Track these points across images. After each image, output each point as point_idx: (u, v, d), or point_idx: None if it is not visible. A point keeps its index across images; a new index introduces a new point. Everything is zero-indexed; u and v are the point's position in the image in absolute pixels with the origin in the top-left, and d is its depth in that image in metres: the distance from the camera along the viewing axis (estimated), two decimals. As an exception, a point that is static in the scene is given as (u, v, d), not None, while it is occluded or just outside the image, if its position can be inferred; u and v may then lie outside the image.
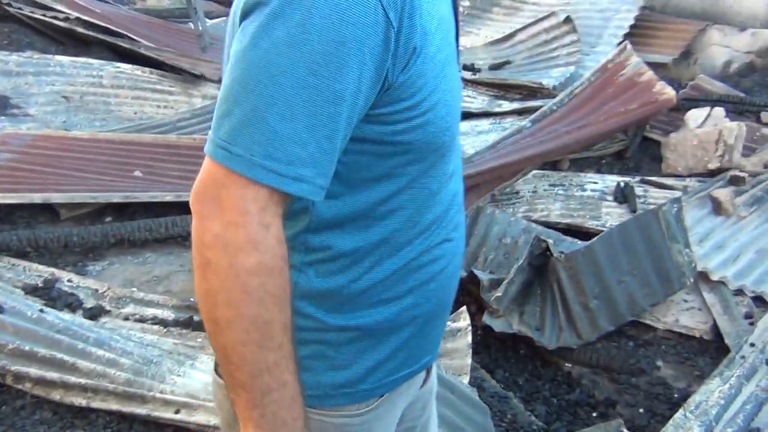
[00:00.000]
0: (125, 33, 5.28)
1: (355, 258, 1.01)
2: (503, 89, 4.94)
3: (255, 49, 0.84)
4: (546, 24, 5.32)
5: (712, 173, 3.58)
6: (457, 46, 1.10)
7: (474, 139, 4.21)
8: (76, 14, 5.29)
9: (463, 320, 2.48)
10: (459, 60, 1.14)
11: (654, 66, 4.95)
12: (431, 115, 0.96)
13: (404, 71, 0.90)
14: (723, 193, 3.14)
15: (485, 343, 2.74)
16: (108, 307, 2.72)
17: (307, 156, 0.86)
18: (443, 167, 1.06)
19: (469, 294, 2.81)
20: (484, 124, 4.45)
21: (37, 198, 3.40)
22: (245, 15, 0.87)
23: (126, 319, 2.67)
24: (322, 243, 1.00)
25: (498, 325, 2.60)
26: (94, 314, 2.65)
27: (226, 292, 0.87)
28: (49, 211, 3.47)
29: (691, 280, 2.67)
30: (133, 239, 3.25)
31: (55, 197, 3.44)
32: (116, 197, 3.46)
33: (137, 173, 3.75)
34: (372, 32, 0.85)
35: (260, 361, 0.90)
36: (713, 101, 4.07)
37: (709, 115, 3.81)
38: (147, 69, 4.82)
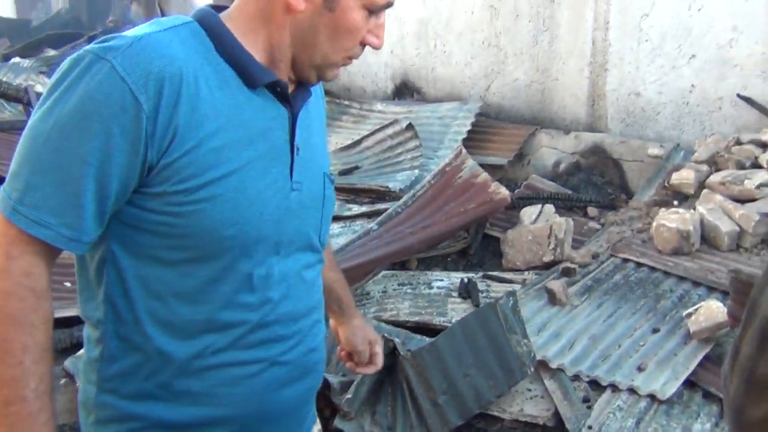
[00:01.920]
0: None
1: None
2: (353, 193, 5.10)
3: (30, 121, 1.05)
4: (390, 131, 5.60)
5: (547, 265, 3.82)
6: (292, 160, 1.21)
7: (325, 243, 4.28)
8: None
9: (315, 426, 2.47)
10: (297, 172, 1.24)
11: (492, 167, 5.30)
12: (206, 207, 1.08)
13: (166, 154, 1.05)
14: (556, 285, 3.35)
15: (340, 447, 2.72)
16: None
17: (52, 206, 1.02)
18: (239, 269, 1.13)
19: (324, 398, 2.81)
20: (335, 227, 4.55)
21: None
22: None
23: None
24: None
25: (350, 428, 2.60)
26: None
27: None
28: None
29: (532, 369, 2.80)
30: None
31: None
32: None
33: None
34: (118, 109, 1.01)
35: None
36: (544, 199, 4.39)
37: (541, 211, 4.10)
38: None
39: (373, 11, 1.17)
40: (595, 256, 3.77)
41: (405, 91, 6.99)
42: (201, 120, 1.06)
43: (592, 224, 4.25)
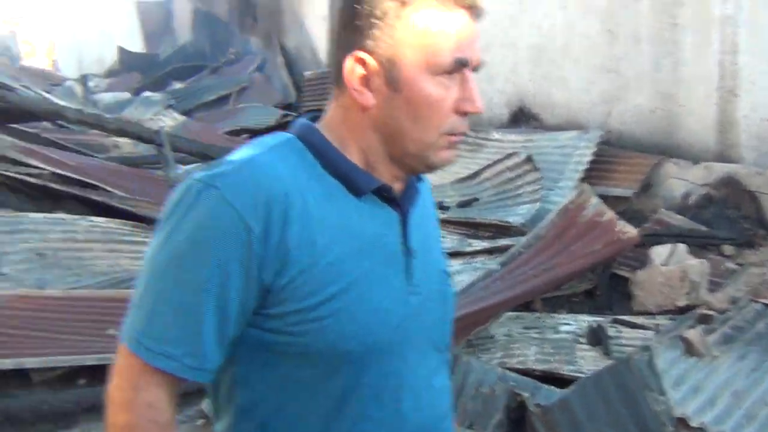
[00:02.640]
0: (99, 184, 5.37)
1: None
2: (472, 227, 5.07)
3: (148, 253, 1.09)
4: (509, 162, 5.53)
5: (681, 310, 3.66)
6: (407, 263, 1.17)
7: (447, 281, 4.27)
8: (50, 168, 5.39)
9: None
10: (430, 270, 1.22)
11: (616, 199, 5.14)
12: (327, 323, 1.07)
13: (281, 275, 1.05)
14: (693, 334, 3.20)
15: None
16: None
17: (174, 337, 1.03)
18: (365, 382, 1.12)
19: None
20: (456, 264, 4.52)
21: (8, 363, 3.36)
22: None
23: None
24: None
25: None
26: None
27: None
28: (21, 374, 3.42)
29: (671, 428, 2.68)
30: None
31: (28, 362, 3.39)
32: (89, 359, 3.43)
33: (111, 332, 3.72)
34: (230, 235, 1.02)
35: None
36: (676, 236, 4.21)
37: (672, 251, 3.93)
38: (120, 221, 4.88)
39: (449, 73, 1.09)
40: (734, 302, 3.58)
41: (521, 117, 6.90)
42: (312, 237, 1.06)
43: (729, 264, 4.04)
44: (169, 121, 8.91)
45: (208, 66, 13.63)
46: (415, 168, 1.16)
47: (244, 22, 13.46)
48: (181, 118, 9.07)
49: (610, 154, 5.67)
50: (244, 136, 8.72)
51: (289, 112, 9.38)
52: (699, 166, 5.08)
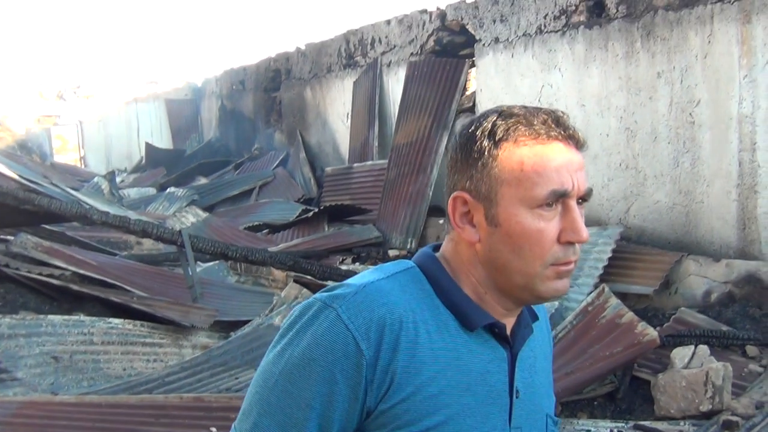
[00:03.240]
0: (119, 284, 5.42)
1: None
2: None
3: (263, 362, 1.12)
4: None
5: (705, 415, 3.53)
6: (511, 404, 1.17)
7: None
8: (72, 268, 5.46)
9: None
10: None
11: (637, 297, 5.07)
12: None
13: (384, 400, 1.06)
14: (718, 443, 3.08)
15: None
16: None
17: None
18: None
19: None
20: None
21: (17, 474, 3.31)
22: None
23: None
24: None
25: None
26: None
27: None
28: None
29: None
30: None
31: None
32: (99, 469, 3.37)
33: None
34: (342, 356, 1.04)
35: None
36: (697, 337, 4.11)
37: (694, 352, 3.84)
38: (138, 322, 4.88)
39: (549, 204, 1.10)
40: (759, 406, 3.46)
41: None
42: (419, 366, 1.08)
43: (753, 366, 3.93)
44: (191, 217, 9.05)
45: (232, 161, 13.91)
46: (524, 299, 1.17)
47: (269, 118, 13.81)
48: (203, 213, 9.21)
49: (630, 250, 5.63)
50: (265, 230, 8.81)
51: (309, 207, 9.49)
52: (720, 264, 5.01)
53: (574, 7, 6.63)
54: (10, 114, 18.56)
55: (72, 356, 4.43)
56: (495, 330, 1.15)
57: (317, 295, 1.11)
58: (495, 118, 1.12)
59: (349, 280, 1.14)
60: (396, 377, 1.06)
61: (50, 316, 4.71)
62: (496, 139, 1.11)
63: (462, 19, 8.32)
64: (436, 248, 1.21)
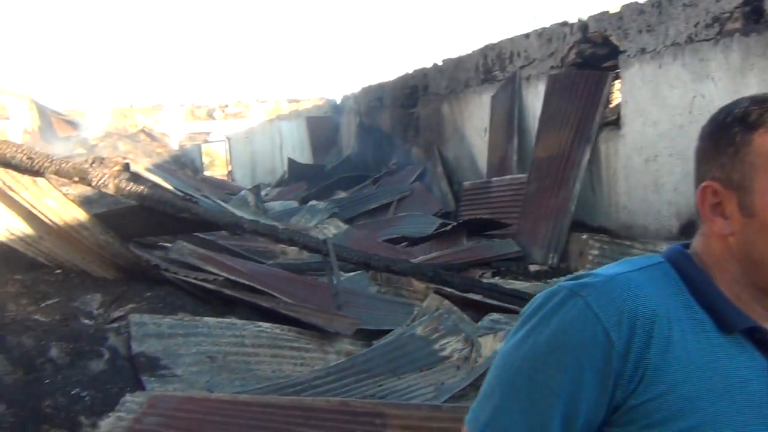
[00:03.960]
0: (267, 290, 5.64)
1: None
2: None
3: (504, 347, 1.10)
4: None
5: None
6: None
7: None
8: (224, 274, 5.73)
9: None
10: None
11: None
12: None
13: (634, 395, 1.01)
14: None
15: None
16: None
17: None
18: None
19: None
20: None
21: (177, 464, 3.49)
22: None
23: None
24: None
25: None
26: None
27: None
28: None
29: None
30: None
31: (194, 464, 3.52)
32: (251, 465, 3.50)
33: (272, 438, 3.80)
34: (590, 345, 1.01)
35: None
36: None
37: None
38: (285, 327, 5.05)
39: None
40: None
41: (692, 230, 6.56)
42: (672, 364, 1.02)
43: None
44: (332, 228, 9.28)
45: (370, 176, 14.19)
46: None
47: (406, 134, 14.00)
48: (344, 226, 9.43)
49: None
50: (404, 243, 8.90)
51: (447, 221, 9.51)
52: None
53: (728, 15, 6.31)
54: (167, 131, 19.84)
55: (225, 357, 4.64)
56: (756, 335, 1.05)
57: (562, 283, 1.08)
58: (747, 104, 1.07)
59: (595, 271, 1.09)
60: (648, 372, 1.00)
61: (205, 318, 4.96)
62: (750, 124, 1.05)
63: (605, 30, 8.11)
64: (686, 246, 1.14)
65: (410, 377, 4.51)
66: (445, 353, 4.71)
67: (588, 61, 8.64)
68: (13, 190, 5.34)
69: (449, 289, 5.67)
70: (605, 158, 8.04)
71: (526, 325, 1.07)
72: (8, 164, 5.19)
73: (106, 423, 3.65)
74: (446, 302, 5.15)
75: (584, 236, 7.35)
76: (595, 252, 7.03)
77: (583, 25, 8.50)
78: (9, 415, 3.71)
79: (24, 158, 5.18)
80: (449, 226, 8.71)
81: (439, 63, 12.69)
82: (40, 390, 3.93)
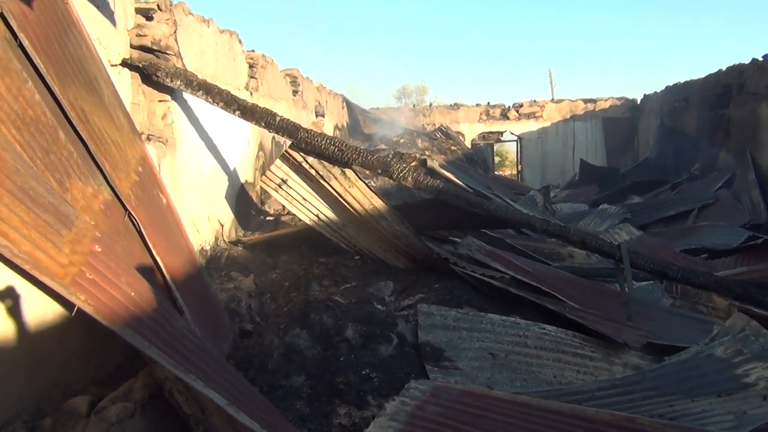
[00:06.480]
0: (553, 293, 5.51)
1: None
2: None
3: None
4: None
5: None
6: None
7: None
8: (511, 273, 5.71)
9: None
10: None
11: None
12: None
13: None
14: None
15: None
16: None
17: None
18: None
19: None
20: None
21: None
22: None
23: None
24: None
25: None
26: None
27: None
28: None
29: None
30: None
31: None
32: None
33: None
34: None
35: None
36: None
37: None
38: (570, 332, 4.89)
39: None
40: None
41: None
42: None
43: None
44: (624, 234, 8.84)
45: (669, 181, 13.30)
46: None
47: (715, 136, 12.87)
48: (637, 232, 8.93)
49: None
50: (703, 255, 8.19)
51: (758, 234, 8.55)
52: None
53: None
54: (462, 130, 20.42)
55: (507, 355, 4.61)
56: None
57: None
58: None
59: None
60: None
61: (490, 315, 4.97)
62: None
63: None
64: None
65: (705, 401, 4.11)
66: (749, 380, 4.22)
67: None
68: (324, 180, 5.82)
69: (759, 310, 5.08)
70: None
71: None
72: (322, 155, 5.66)
73: (391, 405, 3.80)
74: (754, 323, 4.62)
75: None
76: None
77: None
78: (307, 386, 4.04)
79: (335, 150, 5.61)
80: (761, 240, 7.83)
81: (759, 59, 11.45)
82: (335, 366, 4.22)
